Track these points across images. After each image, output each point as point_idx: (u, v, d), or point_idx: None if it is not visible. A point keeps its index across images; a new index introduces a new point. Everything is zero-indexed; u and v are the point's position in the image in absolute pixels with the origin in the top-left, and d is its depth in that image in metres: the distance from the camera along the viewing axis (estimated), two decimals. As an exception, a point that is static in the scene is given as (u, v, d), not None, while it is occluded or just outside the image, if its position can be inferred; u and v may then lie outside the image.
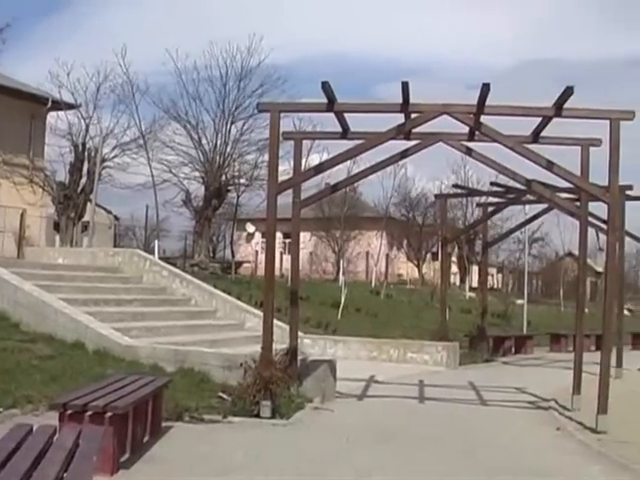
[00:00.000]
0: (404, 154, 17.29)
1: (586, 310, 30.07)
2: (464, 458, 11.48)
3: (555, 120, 15.01)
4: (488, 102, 14.27)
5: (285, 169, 24.21)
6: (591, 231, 21.10)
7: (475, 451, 12.02)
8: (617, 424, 13.69)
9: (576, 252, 27.50)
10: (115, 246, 46.00)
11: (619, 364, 23.14)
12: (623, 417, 14.56)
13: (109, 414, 9.34)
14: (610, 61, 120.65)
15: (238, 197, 47.18)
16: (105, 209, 50.75)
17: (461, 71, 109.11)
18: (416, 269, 62.69)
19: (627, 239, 27.11)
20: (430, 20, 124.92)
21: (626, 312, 45.11)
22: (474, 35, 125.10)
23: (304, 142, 19.29)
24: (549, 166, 14.44)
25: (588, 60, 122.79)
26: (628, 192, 23.51)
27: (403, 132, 15.66)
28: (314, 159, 40.46)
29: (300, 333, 19.89)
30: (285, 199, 18.58)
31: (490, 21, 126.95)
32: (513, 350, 30.54)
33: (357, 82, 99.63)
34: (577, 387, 16.21)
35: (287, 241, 48.33)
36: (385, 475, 10.13)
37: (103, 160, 36.90)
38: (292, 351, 16.86)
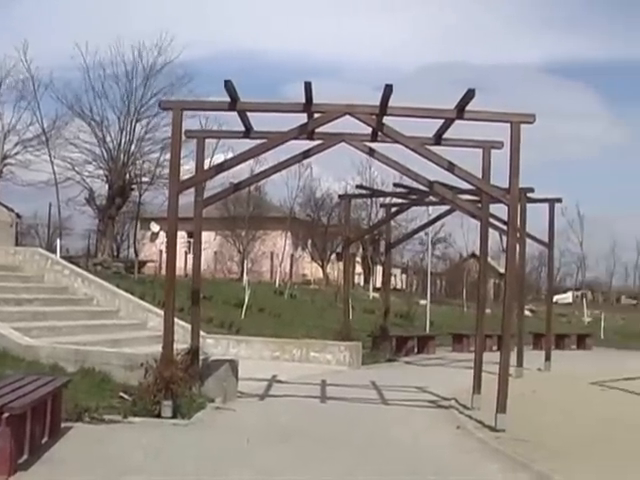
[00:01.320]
0: (307, 154, 17.30)
1: (488, 311, 30.50)
2: (365, 457, 11.52)
3: (465, 123, 15.11)
4: (392, 103, 14.35)
5: (189, 168, 24.02)
6: (495, 233, 21.40)
7: (376, 450, 12.08)
8: (516, 423, 13.86)
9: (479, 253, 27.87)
10: (17, 244, 45.10)
11: (520, 364, 23.48)
12: (522, 416, 14.75)
13: (6, 415, 9.13)
14: (517, 66, 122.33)
15: (140, 195, 46.84)
16: (6, 207, 49.81)
17: (369, 72, 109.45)
18: (320, 269, 62.81)
19: (529, 241, 27.57)
20: (340, 21, 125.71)
21: (528, 313, 45.85)
22: (383, 37, 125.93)
23: (209, 141, 19.19)
24: (450, 168, 14.58)
25: (495, 65, 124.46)
26: (529, 194, 23.92)
27: (306, 132, 15.66)
28: (219, 159, 40.30)
29: (203, 333, 19.79)
30: (189, 198, 18.48)
31: (398, 24, 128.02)
32: (416, 350, 30.75)
33: (266, 81, 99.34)
34: (477, 386, 16.40)
35: (191, 240, 48.03)
36: (285, 475, 10.10)
37: (4, 157, 36.28)
38: (194, 351, 16.77)
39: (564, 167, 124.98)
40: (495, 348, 27.44)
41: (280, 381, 19.70)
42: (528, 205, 24.60)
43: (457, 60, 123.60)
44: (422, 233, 41.44)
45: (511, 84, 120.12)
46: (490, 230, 19.38)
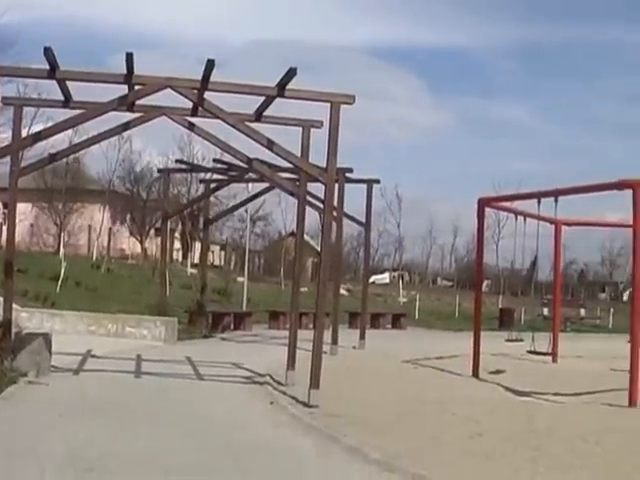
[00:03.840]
0: (126, 126, 17.05)
1: (305, 289, 30.86)
2: (178, 432, 11.48)
3: (295, 103, 15.12)
4: (215, 79, 14.28)
5: (7, 137, 23.33)
6: (316, 212, 21.56)
7: (189, 425, 12.07)
8: (329, 398, 14.05)
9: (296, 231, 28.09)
10: None
11: (335, 341, 23.82)
12: (335, 392, 14.95)
13: None
14: (345, 48, 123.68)
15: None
16: None
17: (198, 47, 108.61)
18: (139, 244, 62.17)
19: (349, 222, 28.01)
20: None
21: (344, 292, 46.63)
22: (213, 11, 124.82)
23: (27, 110, 18.69)
24: (270, 145, 14.65)
25: (323, 45, 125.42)
26: (348, 175, 24.24)
27: (126, 104, 15.38)
28: (39, 128, 39.21)
29: (16, 306, 19.33)
30: (4, 168, 18.01)
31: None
32: (232, 326, 30.89)
33: (92, 50, 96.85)
34: (291, 363, 16.53)
35: (6, 211, 46.71)
36: (97, 449, 9.99)
37: None
38: (6, 324, 16.38)
39: (386, 149, 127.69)
40: (311, 326, 27.69)
41: (95, 356, 19.45)
42: (348, 185, 24.96)
43: (286, 38, 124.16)
44: (242, 210, 41.42)
45: (338, 65, 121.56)
46: (310, 209, 19.58)
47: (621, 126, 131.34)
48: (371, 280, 68.74)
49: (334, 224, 20.41)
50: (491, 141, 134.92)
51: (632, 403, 15.40)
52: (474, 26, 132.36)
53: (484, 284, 74.11)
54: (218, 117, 14.86)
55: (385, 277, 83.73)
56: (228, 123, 14.70)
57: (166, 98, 15.46)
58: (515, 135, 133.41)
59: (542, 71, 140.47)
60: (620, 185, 16.92)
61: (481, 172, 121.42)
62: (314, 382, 13.99)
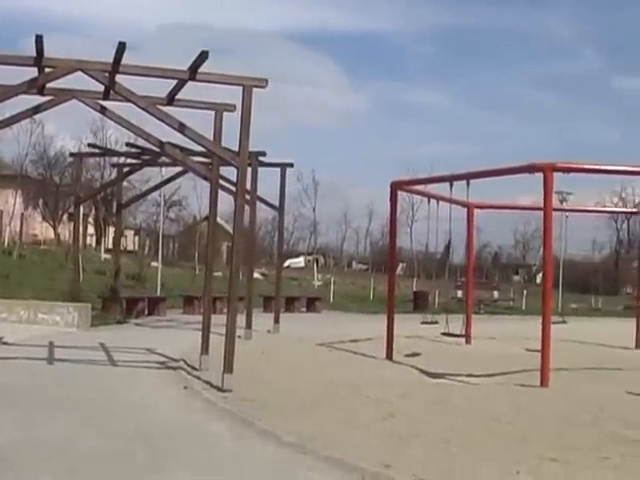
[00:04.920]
0: (37, 110, 16.75)
1: (220, 273, 30.81)
2: (91, 418, 11.38)
3: (212, 86, 14.98)
4: (127, 62, 14.11)
5: None
6: (231, 197, 21.48)
7: (103, 411, 11.98)
8: (243, 382, 14.05)
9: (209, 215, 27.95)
10: None
11: (249, 326, 23.73)
12: (249, 376, 14.96)
13: None
14: (260, 32, 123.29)
15: None
16: None
17: (111, 30, 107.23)
18: (52, 229, 61.37)
19: (265, 206, 28.00)
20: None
21: (259, 276, 46.59)
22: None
23: None
24: (181, 128, 14.56)
25: (238, 28, 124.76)
26: (262, 158, 24.19)
27: (36, 87, 15.12)
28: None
29: None
30: None
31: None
32: (146, 312, 30.68)
33: (6, 33, 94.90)
34: (205, 348, 16.47)
35: None
36: (8, 435, 9.83)
37: None
38: None
39: (302, 133, 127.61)
40: (225, 310, 27.70)
41: (6, 343, 19.16)
42: (264, 170, 24.94)
43: (202, 22, 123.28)
44: (156, 195, 41.15)
45: (254, 49, 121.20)
46: (225, 193, 19.49)
47: (534, 110, 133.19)
48: (286, 264, 69.02)
49: (247, 208, 20.36)
50: (407, 125, 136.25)
51: (544, 383, 15.67)
52: (390, 10, 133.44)
53: (399, 267, 74.84)
54: (129, 100, 14.71)
55: (300, 261, 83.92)
56: (139, 106, 14.56)
57: (79, 81, 15.24)
58: (431, 119, 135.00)
59: (457, 55, 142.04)
60: (531, 168, 17.16)
61: (396, 156, 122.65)
62: (228, 366, 13.97)
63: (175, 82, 15.54)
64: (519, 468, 9.03)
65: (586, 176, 21.03)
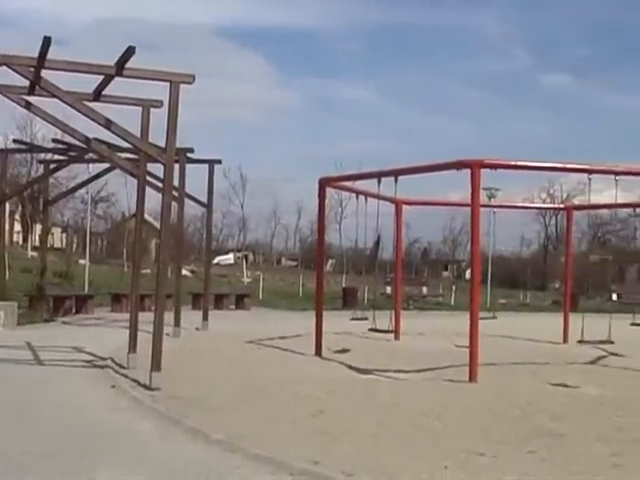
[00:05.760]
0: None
1: (148, 270, 30.59)
2: (17, 418, 11.27)
3: (146, 83, 14.82)
4: (54, 56, 13.93)
5: None
6: (158, 193, 21.33)
7: (29, 411, 11.84)
8: (171, 381, 14.00)
9: (145, 214, 27.72)
10: None
11: (177, 323, 23.56)
12: (178, 374, 14.90)
13: None
14: (190, 27, 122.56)
15: None
16: None
17: (44, 24, 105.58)
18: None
19: (193, 203, 27.83)
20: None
21: (188, 273, 46.38)
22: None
23: None
24: (108, 124, 14.43)
25: (168, 24, 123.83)
26: (190, 155, 24.06)
27: (-43, 82, 14.90)
28: None
29: None
30: None
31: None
32: (74, 310, 30.36)
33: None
34: (133, 346, 16.35)
35: None
36: None
37: None
38: None
39: (232, 130, 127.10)
40: (154, 308, 27.54)
41: None
42: (193, 166, 24.81)
43: (131, 17, 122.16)
44: (84, 192, 40.70)
45: (184, 45, 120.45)
46: (154, 191, 19.36)
47: (465, 108, 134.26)
48: (215, 261, 68.85)
49: (175, 204, 20.23)
50: (336, 121, 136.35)
51: (472, 378, 15.78)
52: (320, 6, 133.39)
53: (328, 263, 75.11)
54: (55, 96, 14.52)
55: (229, 258, 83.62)
56: (65, 102, 14.39)
57: (4, 76, 15.02)
58: (360, 116, 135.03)
59: (387, 53, 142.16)
60: (458, 165, 17.26)
61: (326, 152, 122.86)
62: (155, 364, 13.89)
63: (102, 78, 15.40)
64: (447, 463, 9.09)
65: (515, 173, 21.31)
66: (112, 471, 8.69)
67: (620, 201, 22.86)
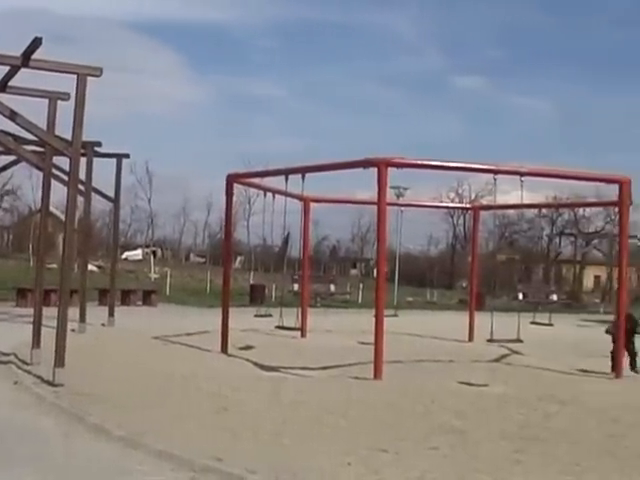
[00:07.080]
0: None
1: (55, 265, 30.17)
2: None
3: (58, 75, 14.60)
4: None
5: None
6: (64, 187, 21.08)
7: None
8: (75, 377, 13.85)
9: (52, 208, 27.30)
10: None
11: (82, 319, 23.28)
12: (82, 370, 14.75)
13: None
14: (102, 19, 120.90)
15: None
16: None
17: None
18: None
19: (101, 198, 27.52)
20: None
21: (95, 268, 45.87)
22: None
23: None
24: (13, 116, 14.20)
25: (80, 16, 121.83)
26: (97, 149, 23.80)
27: None
28: None
29: None
30: None
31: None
32: (-23, 305, 29.85)
33: None
34: (37, 341, 16.13)
35: None
36: None
37: None
38: None
39: (143, 124, 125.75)
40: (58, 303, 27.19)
41: None
42: (102, 161, 24.56)
43: (41, 8, 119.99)
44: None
45: (96, 38, 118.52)
46: (61, 184, 19.11)
47: (379, 107, 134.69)
48: (124, 256, 68.19)
49: (81, 199, 20.00)
50: (248, 118, 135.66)
51: (377, 376, 15.91)
52: (234, 2, 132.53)
53: (237, 260, 74.91)
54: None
55: (138, 253, 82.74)
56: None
57: None
58: (272, 113, 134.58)
59: (301, 51, 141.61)
60: (366, 163, 17.38)
61: (237, 149, 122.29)
62: (59, 360, 13.73)
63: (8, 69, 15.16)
64: (350, 459, 9.18)
65: (424, 172, 21.45)
66: (14, 470, 8.58)
67: (527, 202, 23.20)
